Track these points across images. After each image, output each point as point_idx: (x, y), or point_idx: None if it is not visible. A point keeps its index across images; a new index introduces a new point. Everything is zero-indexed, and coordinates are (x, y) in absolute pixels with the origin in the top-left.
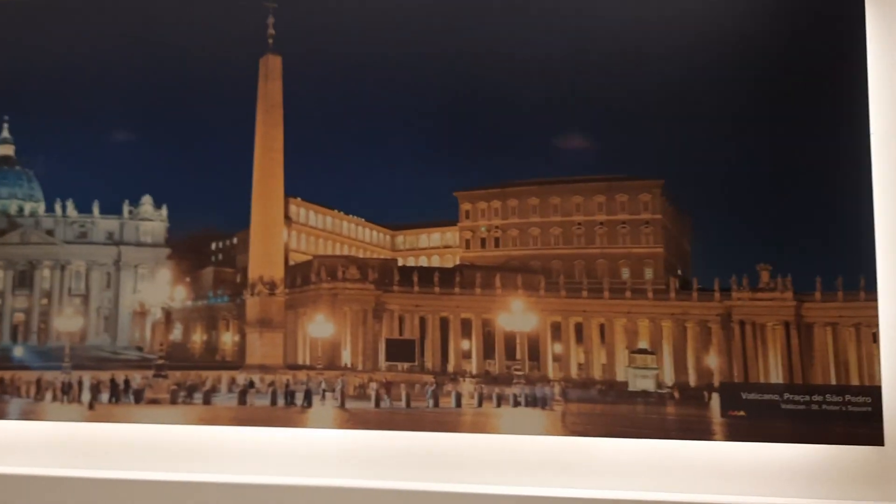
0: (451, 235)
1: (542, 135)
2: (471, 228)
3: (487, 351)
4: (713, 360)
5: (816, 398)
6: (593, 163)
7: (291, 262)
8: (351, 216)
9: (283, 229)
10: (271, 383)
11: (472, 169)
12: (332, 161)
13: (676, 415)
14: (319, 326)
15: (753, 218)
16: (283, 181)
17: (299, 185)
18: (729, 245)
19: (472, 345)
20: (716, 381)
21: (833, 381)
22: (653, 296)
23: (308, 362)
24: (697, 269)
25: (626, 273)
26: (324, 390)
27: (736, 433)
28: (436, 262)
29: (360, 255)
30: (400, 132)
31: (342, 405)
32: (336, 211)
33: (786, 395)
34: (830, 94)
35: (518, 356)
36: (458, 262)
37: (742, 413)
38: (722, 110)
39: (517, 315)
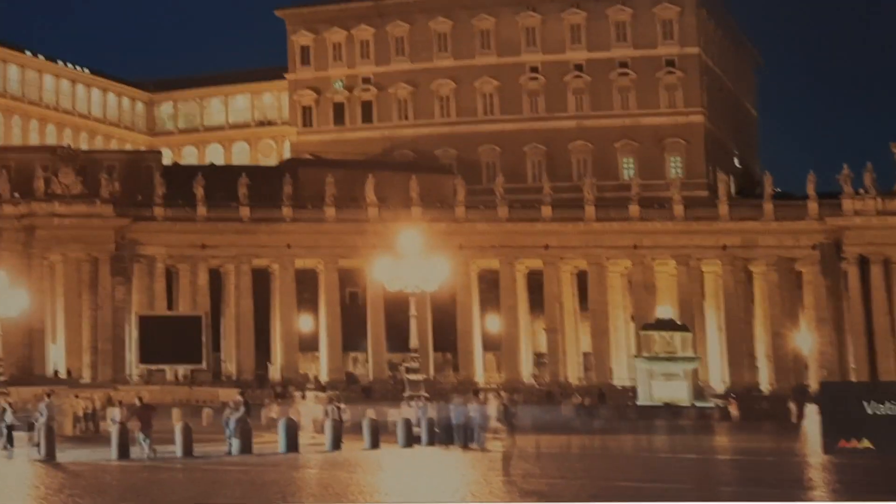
0: (271, 98)
1: None
2: (313, 84)
3: (351, 335)
4: (806, 339)
5: None
6: None
7: None
8: (64, 64)
9: None
10: None
11: None
12: None
13: (735, 452)
14: None
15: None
16: None
17: None
18: (834, 105)
19: (319, 323)
20: (812, 381)
21: None
22: (685, 211)
23: None
24: (772, 153)
25: (629, 166)
26: (9, 428)
27: (854, 487)
28: (242, 153)
29: (85, 147)
30: None
31: (49, 457)
32: (32, 55)
33: None
34: None
35: (415, 343)
36: (287, 156)
37: (867, 444)
38: None
39: (410, 260)
